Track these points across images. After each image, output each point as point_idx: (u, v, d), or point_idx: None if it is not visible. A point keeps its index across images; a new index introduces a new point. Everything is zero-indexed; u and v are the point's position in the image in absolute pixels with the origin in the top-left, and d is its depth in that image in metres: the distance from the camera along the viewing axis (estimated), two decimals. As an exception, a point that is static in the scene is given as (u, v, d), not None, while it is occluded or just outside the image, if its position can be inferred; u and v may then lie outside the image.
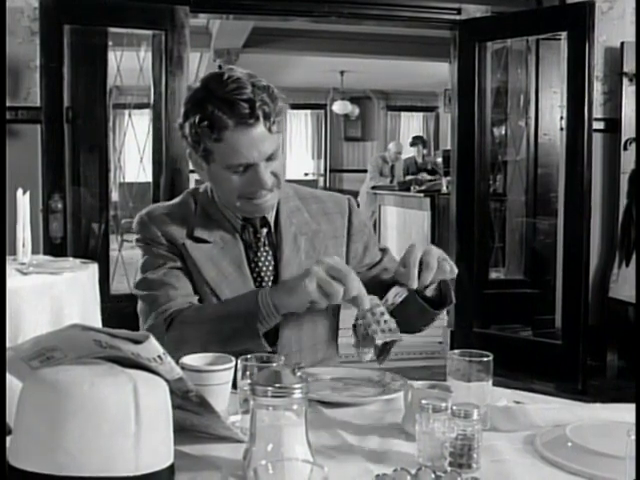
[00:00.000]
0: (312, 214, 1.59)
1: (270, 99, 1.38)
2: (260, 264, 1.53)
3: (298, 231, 1.56)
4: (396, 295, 1.34)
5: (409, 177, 8.32)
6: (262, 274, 1.53)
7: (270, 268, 1.53)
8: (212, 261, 1.50)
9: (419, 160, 8.81)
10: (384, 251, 1.67)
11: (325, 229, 1.59)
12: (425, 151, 8.91)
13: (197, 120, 1.38)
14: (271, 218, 1.54)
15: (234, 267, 1.50)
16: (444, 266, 1.35)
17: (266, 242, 1.54)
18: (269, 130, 1.39)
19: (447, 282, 1.45)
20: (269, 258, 1.54)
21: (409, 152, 9.28)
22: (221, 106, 1.35)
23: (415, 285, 1.32)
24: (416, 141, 9.11)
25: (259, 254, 1.53)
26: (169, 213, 1.54)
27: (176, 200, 1.60)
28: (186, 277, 1.50)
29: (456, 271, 1.38)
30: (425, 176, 7.46)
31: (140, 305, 1.51)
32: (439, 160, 8.48)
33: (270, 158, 1.41)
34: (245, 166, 1.40)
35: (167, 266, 1.49)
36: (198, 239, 1.50)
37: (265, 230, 1.54)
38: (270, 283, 1.53)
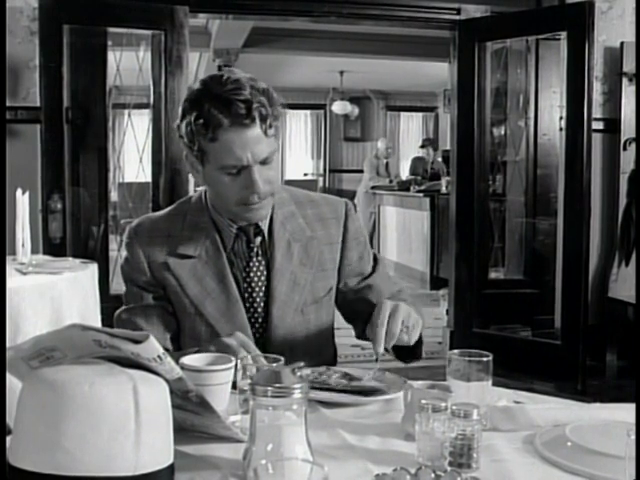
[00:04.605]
0: (307, 220, 1.56)
1: (268, 102, 1.37)
2: (252, 274, 1.51)
3: (292, 238, 1.53)
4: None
5: (410, 176, 8.37)
6: (253, 284, 1.51)
7: (262, 278, 1.52)
8: (196, 277, 1.49)
9: (429, 160, 8.89)
10: (376, 263, 1.64)
11: (320, 235, 1.56)
12: (433, 153, 9.00)
13: (193, 118, 1.36)
14: (265, 226, 1.52)
15: (217, 282, 1.49)
16: (402, 337, 1.33)
17: (259, 252, 1.52)
18: (265, 133, 1.37)
19: (419, 339, 1.43)
20: (261, 268, 1.52)
21: (418, 152, 9.51)
22: (217, 105, 1.34)
23: (381, 350, 1.30)
24: (425, 143, 9.34)
25: (251, 264, 1.51)
26: (156, 229, 1.53)
27: (166, 211, 1.59)
28: (160, 315, 1.50)
29: (414, 338, 1.37)
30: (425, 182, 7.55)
31: None
32: (439, 159, 8.53)
33: (264, 162, 1.39)
34: (239, 168, 1.38)
35: (143, 303, 1.50)
36: (182, 255, 1.49)
37: (259, 239, 1.51)
38: (261, 293, 1.51)
